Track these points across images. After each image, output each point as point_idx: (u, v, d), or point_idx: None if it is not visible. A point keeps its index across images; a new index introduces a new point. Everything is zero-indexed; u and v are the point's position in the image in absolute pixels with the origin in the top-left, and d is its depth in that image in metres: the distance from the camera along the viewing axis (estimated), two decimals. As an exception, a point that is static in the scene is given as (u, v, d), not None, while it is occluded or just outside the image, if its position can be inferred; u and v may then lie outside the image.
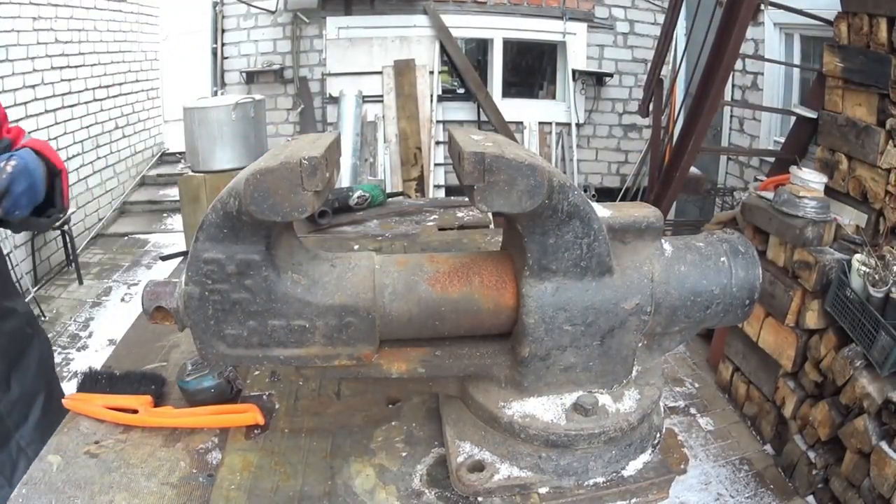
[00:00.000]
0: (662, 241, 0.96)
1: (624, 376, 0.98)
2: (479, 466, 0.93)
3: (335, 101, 7.25)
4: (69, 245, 5.85)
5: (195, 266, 0.83)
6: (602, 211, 0.93)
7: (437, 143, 7.47)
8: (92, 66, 6.71)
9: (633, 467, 0.97)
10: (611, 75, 7.70)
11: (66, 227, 5.64)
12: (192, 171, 5.57)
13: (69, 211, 5.74)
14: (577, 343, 0.93)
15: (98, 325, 5.16)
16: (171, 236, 7.07)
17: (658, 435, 1.01)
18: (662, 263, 0.94)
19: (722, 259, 0.95)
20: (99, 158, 6.94)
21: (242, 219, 0.80)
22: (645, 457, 0.98)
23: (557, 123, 7.80)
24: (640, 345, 0.98)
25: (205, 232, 0.82)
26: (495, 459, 0.94)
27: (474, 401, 0.97)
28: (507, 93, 8.02)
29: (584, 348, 0.93)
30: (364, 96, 7.14)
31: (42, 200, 1.49)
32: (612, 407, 0.95)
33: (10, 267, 1.47)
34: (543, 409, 0.94)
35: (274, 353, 0.89)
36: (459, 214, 2.21)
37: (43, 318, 5.13)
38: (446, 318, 0.91)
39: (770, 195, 3.72)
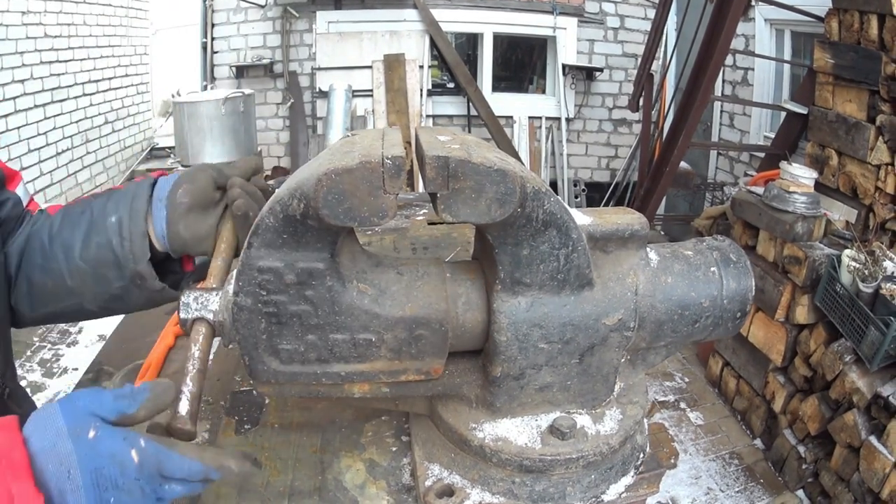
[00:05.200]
0: (648, 249, 0.90)
1: (605, 395, 0.92)
2: (448, 491, 0.87)
3: (325, 95, 7.22)
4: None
5: (248, 275, 0.76)
6: (582, 218, 0.87)
7: (428, 137, 7.44)
8: (81, 60, 6.65)
9: (614, 491, 0.90)
10: (601, 70, 7.69)
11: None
12: (182, 165, 5.56)
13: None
14: (554, 361, 0.86)
15: (88, 321, 5.11)
16: (161, 231, 7.01)
17: (641, 455, 0.95)
18: (647, 274, 0.88)
19: (712, 269, 0.89)
20: (88, 153, 6.88)
21: (307, 223, 0.72)
22: (627, 479, 0.92)
23: (547, 118, 7.79)
24: (622, 361, 0.92)
25: (260, 237, 0.74)
26: (466, 484, 0.88)
27: (443, 421, 0.91)
28: (496, 87, 8.01)
29: (562, 367, 0.87)
30: (354, 91, 7.10)
31: None
32: (591, 429, 0.89)
33: None
34: (517, 432, 0.88)
35: (334, 368, 0.82)
36: (450, 209, 2.20)
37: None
38: None
39: (760, 190, 3.73)
